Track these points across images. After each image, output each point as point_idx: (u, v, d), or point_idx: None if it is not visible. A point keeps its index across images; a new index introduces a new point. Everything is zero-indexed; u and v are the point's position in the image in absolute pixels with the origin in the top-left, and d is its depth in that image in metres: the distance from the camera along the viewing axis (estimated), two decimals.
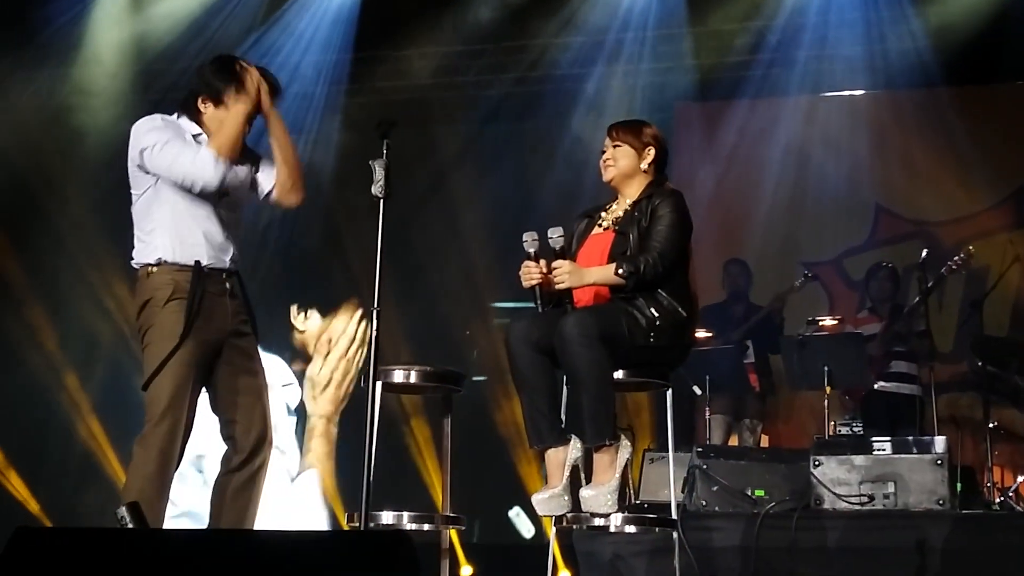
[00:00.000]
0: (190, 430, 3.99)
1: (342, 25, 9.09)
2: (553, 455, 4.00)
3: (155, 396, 3.91)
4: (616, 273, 4.01)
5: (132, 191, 4.08)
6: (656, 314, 4.01)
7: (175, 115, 4.15)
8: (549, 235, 4.11)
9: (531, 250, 4.12)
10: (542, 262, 4.14)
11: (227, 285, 4.06)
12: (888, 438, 5.57)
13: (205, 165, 3.94)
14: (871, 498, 5.33)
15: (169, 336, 3.91)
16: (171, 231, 3.99)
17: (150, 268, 4.00)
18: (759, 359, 7.49)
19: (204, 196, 4.00)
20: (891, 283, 7.38)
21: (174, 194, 4.00)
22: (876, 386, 7.03)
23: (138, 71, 9.18)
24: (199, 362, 3.96)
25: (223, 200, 4.06)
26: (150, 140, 4.00)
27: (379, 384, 3.98)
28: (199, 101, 4.11)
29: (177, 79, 9.25)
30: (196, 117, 4.10)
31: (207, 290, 3.98)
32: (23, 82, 9.19)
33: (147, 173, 4.02)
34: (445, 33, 8.97)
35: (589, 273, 4.07)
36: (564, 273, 4.04)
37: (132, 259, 4.08)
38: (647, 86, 8.90)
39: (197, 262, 3.98)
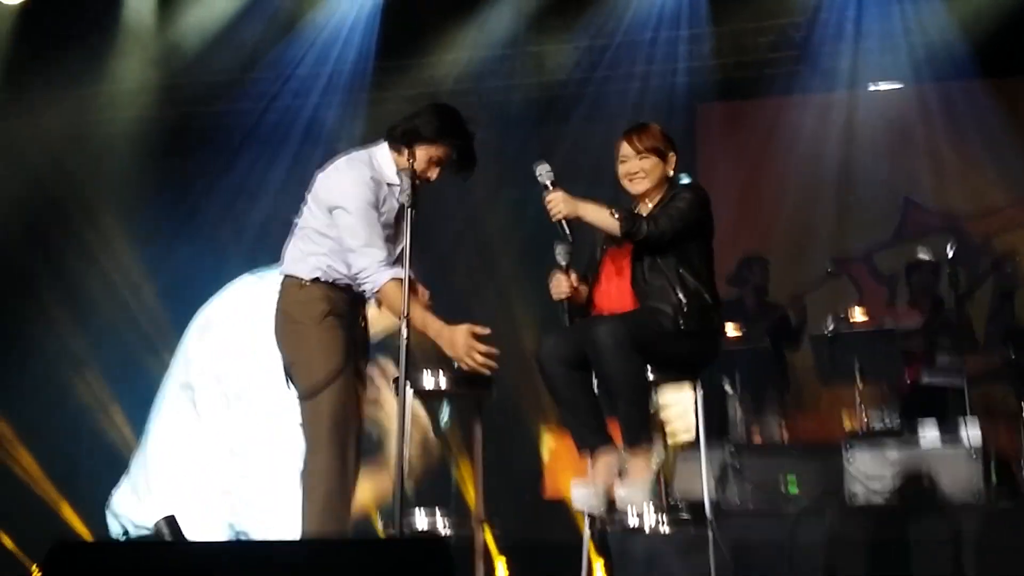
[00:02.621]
0: (359, 445, 4.05)
1: (364, 34, 9.14)
2: (603, 456, 4.02)
3: (316, 418, 3.93)
4: (611, 215, 4.00)
5: (305, 213, 4.11)
6: (683, 298, 4.00)
7: (372, 147, 4.15)
8: (537, 171, 4.09)
9: (563, 262, 4.13)
10: (572, 275, 4.14)
11: (363, 311, 4.16)
12: (922, 431, 5.55)
13: (367, 278, 3.93)
14: (905, 492, 5.31)
15: (328, 353, 3.95)
16: (331, 259, 4.03)
17: (304, 281, 4.04)
18: (776, 356, 7.48)
19: None
20: (934, 276, 7.33)
21: None
22: (924, 381, 6.98)
23: (165, 85, 9.26)
24: (354, 378, 4.02)
25: None
26: (346, 203, 3.97)
27: (409, 389, 3.98)
28: (416, 141, 4.04)
29: (204, 92, 9.35)
30: (410, 152, 4.03)
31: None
32: (52, 101, 9.28)
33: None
34: (467, 39, 9.00)
35: (583, 205, 4.05)
36: (559, 202, 4.02)
37: (282, 267, 4.12)
38: (669, 87, 8.88)
39: (348, 286, 4.04)
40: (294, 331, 4.03)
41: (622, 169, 4.20)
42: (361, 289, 4.00)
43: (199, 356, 8.53)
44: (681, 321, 3.99)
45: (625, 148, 4.19)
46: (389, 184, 4.06)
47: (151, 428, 8.54)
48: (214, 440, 8.24)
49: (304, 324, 4.00)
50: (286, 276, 4.11)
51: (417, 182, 3.99)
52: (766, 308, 7.66)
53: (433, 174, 4.09)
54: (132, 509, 8.31)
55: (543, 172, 4.09)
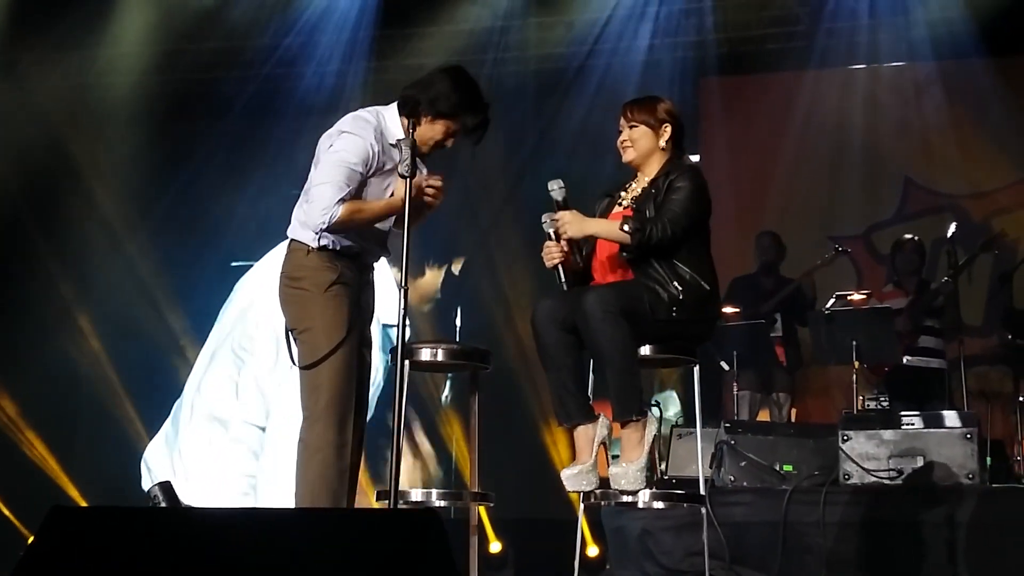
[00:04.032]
0: (363, 416, 4.02)
1: (365, 1, 9.08)
2: (582, 432, 4.02)
3: (315, 390, 3.88)
4: (620, 228, 4.01)
5: (309, 180, 4.03)
6: (679, 288, 4.00)
7: (383, 108, 4.07)
8: (550, 187, 4.12)
9: (551, 231, 4.12)
10: (563, 241, 4.14)
11: (370, 276, 4.12)
12: (917, 412, 5.55)
13: (320, 215, 3.85)
14: (900, 473, 5.32)
15: (332, 324, 3.89)
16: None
17: (310, 248, 3.97)
18: (787, 332, 7.48)
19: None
20: (917, 256, 7.33)
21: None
22: (904, 360, 7.00)
23: (164, 51, 9.21)
24: (357, 348, 3.98)
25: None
26: (338, 144, 3.94)
27: (407, 362, 3.95)
28: (423, 114, 3.98)
29: (206, 59, 9.30)
30: (416, 121, 3.96)
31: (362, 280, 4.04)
32: (50, 64, 9.24)
33: None
34: (469, 10, 8.95)
35: (592, 223, 4.11)
36: (566, 223, 4.06)
37: (289, 233, 4.05)
38: (670, 61, 8.84)
39: (357, 253, 4.01)
40: (299, 298, 3.98)
41: (619, 139, 4.28)
42: (318, 224, 3.90)
43: (241, 316, 8.53)
44: (674, 310, 4.00)
45: (621, 119, 4.27)
46: (391, 144, 4.02)
47: (193, 380, 8.55)
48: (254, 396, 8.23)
49: (310, 292, 3.95)
50: (292, 240, 4.06)
51: (424, 149, 3.98)
52: (779, 282, 7.65)
53: (449, 143, 4.08)
54: (158, 461, 8.31)
55: (555, 188, 4.12)
